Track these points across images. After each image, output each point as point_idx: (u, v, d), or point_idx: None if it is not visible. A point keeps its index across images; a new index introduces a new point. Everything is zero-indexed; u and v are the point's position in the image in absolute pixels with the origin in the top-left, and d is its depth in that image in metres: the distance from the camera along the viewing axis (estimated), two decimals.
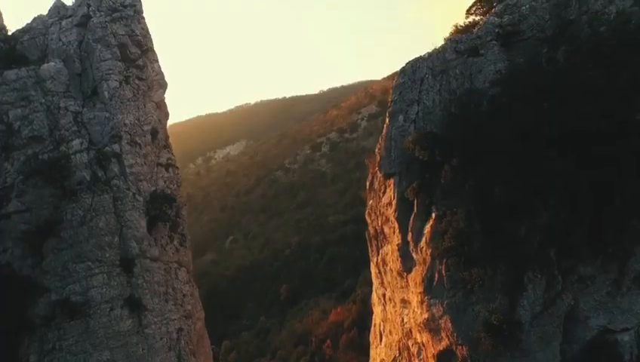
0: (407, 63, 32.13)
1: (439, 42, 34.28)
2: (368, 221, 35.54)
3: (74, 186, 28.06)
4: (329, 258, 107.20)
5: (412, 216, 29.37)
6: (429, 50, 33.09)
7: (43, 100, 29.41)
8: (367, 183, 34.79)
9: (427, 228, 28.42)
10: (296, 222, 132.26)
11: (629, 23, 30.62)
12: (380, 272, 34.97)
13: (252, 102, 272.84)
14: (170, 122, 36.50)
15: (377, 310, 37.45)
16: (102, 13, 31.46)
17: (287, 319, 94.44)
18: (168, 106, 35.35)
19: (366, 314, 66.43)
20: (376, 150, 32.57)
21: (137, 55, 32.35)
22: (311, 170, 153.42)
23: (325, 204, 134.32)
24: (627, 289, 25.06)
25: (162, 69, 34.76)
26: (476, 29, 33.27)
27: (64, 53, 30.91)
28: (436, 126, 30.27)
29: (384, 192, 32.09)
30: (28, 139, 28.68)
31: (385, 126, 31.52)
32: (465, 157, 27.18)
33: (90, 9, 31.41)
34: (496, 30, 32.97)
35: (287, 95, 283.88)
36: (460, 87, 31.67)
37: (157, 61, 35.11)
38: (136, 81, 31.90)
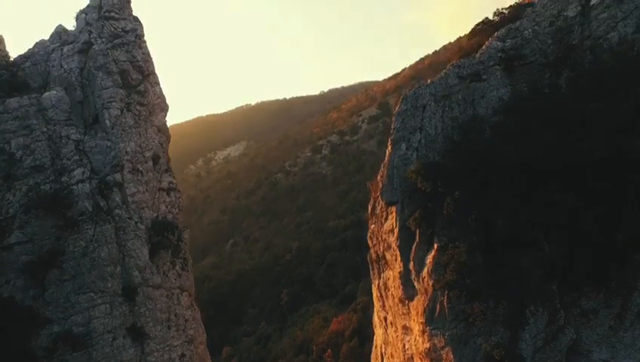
0: (409, 90, 32.02)
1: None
2: (370, 244, 35.53)
3: (76, 217, 28.03)
4: (329, 263, 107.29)
5: (414, 245, 29.35)
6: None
7: (45, 129, 29.35)
8: (370, 208, 34.75)
9: (429, 259, 28.40)
10: (296, 225, 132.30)
11: (632, 50, 30.54)
12: (381, 296, 35.01)
13: (252, 102, 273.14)
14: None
15: (379, 332, 37.48)
16: (103, 39, 31.35)
17: (288, 325, 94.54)
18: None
19: (367, 323, 66.44)
20: (378, 177, 32.50)
21: (138, 81, 32.29)
22: (311, 172, 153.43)
23: (326, 208, 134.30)
24: (630, 324, 25.02)
25: (163, 92, 34.86)
26: (479, 53, 33.18)
27: (66, 80, 30.84)
28: (438, 153, 30.22)
29: (386, 219, 32.06)
30: (30, 169, 28.63)
31: (387, 153, 31.44)
32: (467, 190, 27.12)
33: (92, 36, 31.30)
34: (499, 55, 32.89)
35: (288, 96, 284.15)
36: (462, 113, 31.61)
37: (158, 84, 35.11)
38: (138, 107, 31.85)
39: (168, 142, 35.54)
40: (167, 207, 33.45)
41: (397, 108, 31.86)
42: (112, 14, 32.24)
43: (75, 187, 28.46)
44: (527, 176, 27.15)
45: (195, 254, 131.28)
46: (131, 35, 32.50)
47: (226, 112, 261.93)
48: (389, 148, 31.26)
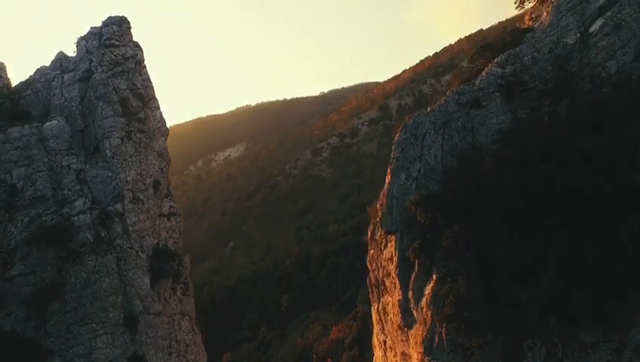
0: (409, 118, 32.12)
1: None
2: (369, 268, 35.73)
3: (77, 248, 28.26)
4: (330, 268, 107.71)
5: (413, 275, 29.50)
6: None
7: (46, 159, 29.51)
8: (369, 233, 34.91)
9: (428, 289, 28.57)
10: (296, 229, 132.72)
11: (630, 80, 30.66)
12: (380, 319, 35.21)
13: (253, 103, 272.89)
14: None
15: (378, 354, 37.70)
16: (104, 67, 31.47)
17: (288, 331, 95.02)
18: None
19: (367, 332, 66.73)
20: (378, 205, 32.64)
21: (139, 108, 32.42)
22: (311, 175, 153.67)
23: (326, 211, 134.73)
24: (628, 360, 25.17)
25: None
26: (479, 80, 33.25)
27: (66, 109, 30.97)
28: (438, 183, 30.34)
29: (385, 246, 32.22)
30: (31, 200, 28.80)
31: (386, 182, 31.57)
32: (466, 223, 27.26)
33: (92, 64, 31.42)
34: (499, 81, 32.97)
35: (288, 97, 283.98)
36: (462, 141, 31.74)
37: (158, 108, 35.25)
38: (138, 135, 32.00)
39: (168, 166, 35.68)
40: (167, 233, 33.63)
41: (397, 137, 31.97)
42: (113, 42, 32.33)
43: (76, 218, 28.64)
44: (527, 208, 27.29)
45: (195, 258, 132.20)
46: (131, 62, 32.60)
47: (226, 113, 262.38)
48: (389, 177, 31.39)
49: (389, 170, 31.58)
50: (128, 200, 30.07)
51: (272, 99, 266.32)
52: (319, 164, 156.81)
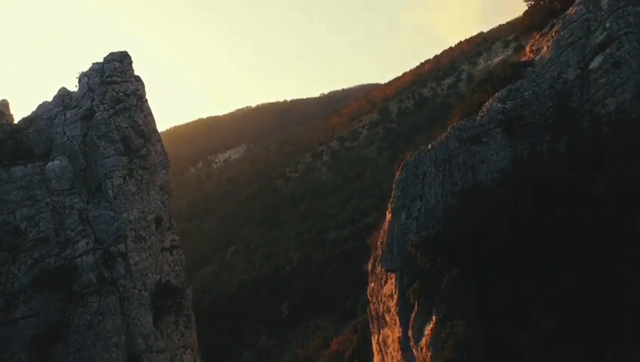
0: (410, 156, 32.25)
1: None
2: (369, 299, 36.07)
3: (81, 290, 28.45)
4: (330, 275, 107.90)
5: (413, 314, 29.76)
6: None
7: (49, 200, 29.70)
8: (370, 265, 35.19)
9: (427, 330, 28.82)
10: (297, 234, 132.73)
11: (629, 118, 30.84)
12: (380, 350, 35.55)
13: (253, 104, 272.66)
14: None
15: None
16: (105, 105, 31.62)
17: (289, 340, 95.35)
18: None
19: (367, 344, 66.98)
20: (378, 243, 32.87)
21: (140, 145, 32.58)
22: (312, 179, 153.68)
23: (326, 216, 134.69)
24: None
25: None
26: (479, 116, 33.39)
27: (69, 148, 31.12)
28: (438, 222, 30.55)
29: (385, 282, 32.49)
30: (34, 241, 29.00)
31: (387, 220, 31.78)
32: (466, 267, 27.47)
33: (94, 103, 31.58)
34: (499, 117, 33.15)
35: (288, 98, 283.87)
36: (462, 178, 31.94)
37: (159, 140, 35.48)
38: (140, 172, 32.18)
39: (170, 198, 35.88)
40: (170, 266, 33.90)
41: (397, 175, 32.15)
42: (114, 78, 32.46)
43: (79, 260, 28.83)
44: (526, 251, 27.50)
45: (196, 262, 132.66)
46: (133, 99, 32.75)
47: (226, 114, 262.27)
48: (389, 215, 31.60)
49: (389, 208, 31.79)
50: (131, 239, 30.27)
51: (273, 100, 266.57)
52: (319, 167, 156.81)
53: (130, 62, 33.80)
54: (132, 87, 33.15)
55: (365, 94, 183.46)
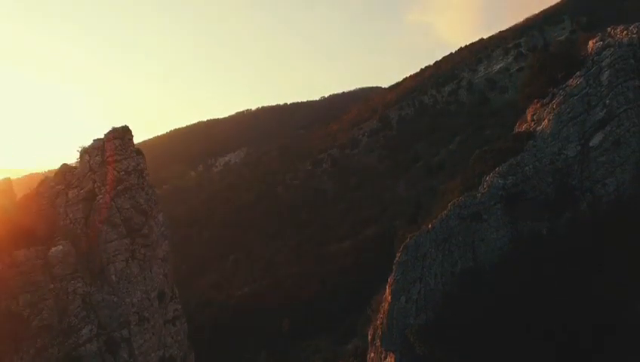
0: (410, 238, 32.37)
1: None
2: None
3: None
4: (330, 290, 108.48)
5: None
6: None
7: (51, 286, 29.90)
8: (370, 336, 35.44)
9: None
10: (297, 244, 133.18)
11: (629, 200, 31.00)
12: None
13: (253, 107, 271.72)
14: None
15: None
16: (106, 186, 31.69)
17: (289, 358, 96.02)
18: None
19: None
20: (378, 321, 33.11)
21: (142, 222, 32.75)
22: (312, 187, 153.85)
23: (327, 226, 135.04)
24: None
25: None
26: (480, 193, 33.44)
27: (71, 232, 31.27)
28: (438, 304, 30.78)
29: (385, 358, 32.77)
30: (38, 329, 29.22)
31: (387, 301, 31.99)
32: (465, 357, 27.75)
33: (96, 184, 31.68)
34: (500, 193, 33.23)
35: (289, 101, 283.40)
36: (462, 257, 32.13)
37: (160, 211, 35.57)
38: (142, 250, 32.39)
39: (171, 267, 36.09)
40: (172, 338, 34.22)
41: (397, 257, 32.29)
42: (115, 157, 32.50)
43: (82, 348, 29.12)
44: (523, 337, 27.77)
45: (195, 271, 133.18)
46: (134, 177, 32.85)
47: (226, 117, 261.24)
48: (389, 297, 31.80)
49: (389, 290, 31.99)
50: (134, 323, 30.58)
51: (273, 103, 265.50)
52: (320, 175, 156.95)
53: (131, 138, 33.85)
54: (133, 164, 33.23)
55: (366, 100, 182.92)
